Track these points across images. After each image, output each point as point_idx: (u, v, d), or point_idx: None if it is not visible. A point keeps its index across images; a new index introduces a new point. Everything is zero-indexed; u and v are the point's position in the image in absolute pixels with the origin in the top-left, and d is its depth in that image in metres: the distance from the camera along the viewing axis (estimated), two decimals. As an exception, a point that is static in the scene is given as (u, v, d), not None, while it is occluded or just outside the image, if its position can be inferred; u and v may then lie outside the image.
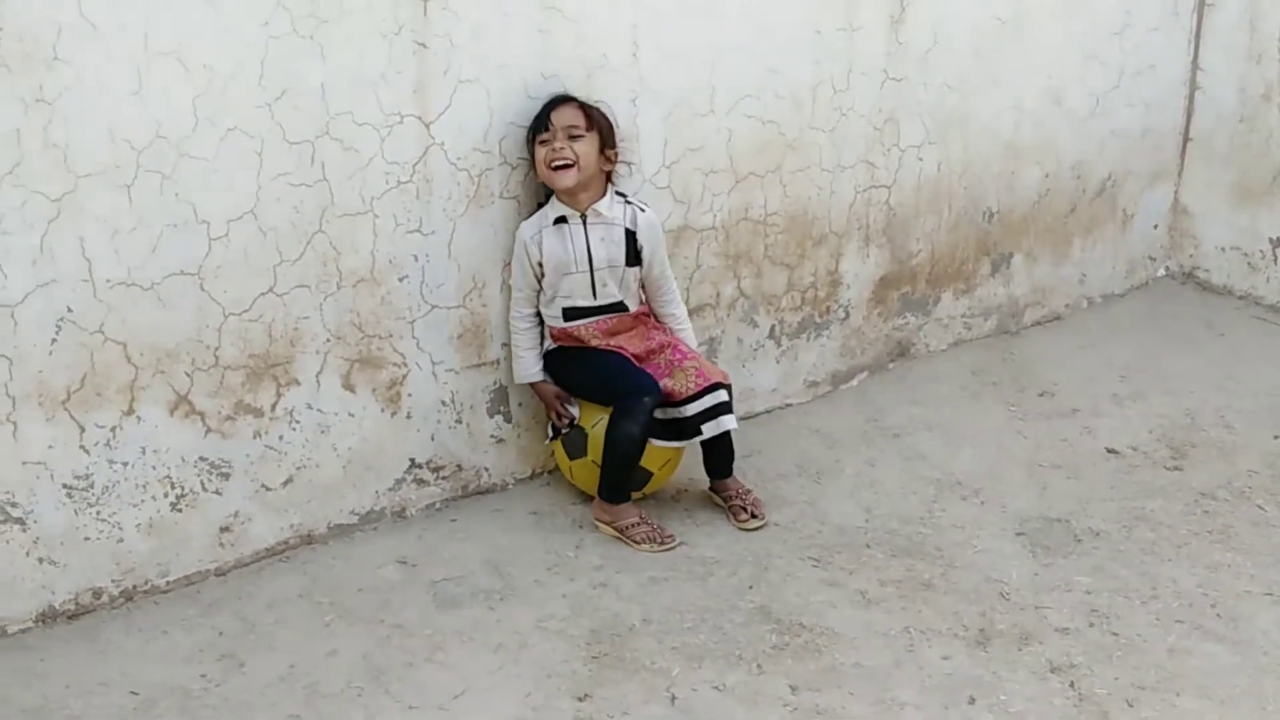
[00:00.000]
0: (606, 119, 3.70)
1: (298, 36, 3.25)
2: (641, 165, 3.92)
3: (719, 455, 3.86)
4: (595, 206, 3.70)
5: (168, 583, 3.42)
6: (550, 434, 3.88)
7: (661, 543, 3.67)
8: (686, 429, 3.72)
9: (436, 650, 3.25)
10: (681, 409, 3.71)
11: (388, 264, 3.55)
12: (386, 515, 3.77)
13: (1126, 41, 5.21)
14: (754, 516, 3.79)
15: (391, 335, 3.62)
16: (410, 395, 3.71)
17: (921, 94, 4.59)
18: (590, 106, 3.67)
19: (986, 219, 4.99)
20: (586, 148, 3.62)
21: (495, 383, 3.86)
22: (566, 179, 3.61)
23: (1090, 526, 3.86)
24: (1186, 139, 5.60)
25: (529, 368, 3.80)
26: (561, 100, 3.64)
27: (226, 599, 3.41)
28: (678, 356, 3.78)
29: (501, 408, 3.90)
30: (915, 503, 3.99)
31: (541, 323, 3.80)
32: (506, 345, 3.83)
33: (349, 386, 3.58)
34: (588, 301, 3.75)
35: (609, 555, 3.65)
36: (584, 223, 3.70)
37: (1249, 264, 5.52)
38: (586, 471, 3.81)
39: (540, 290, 3.75)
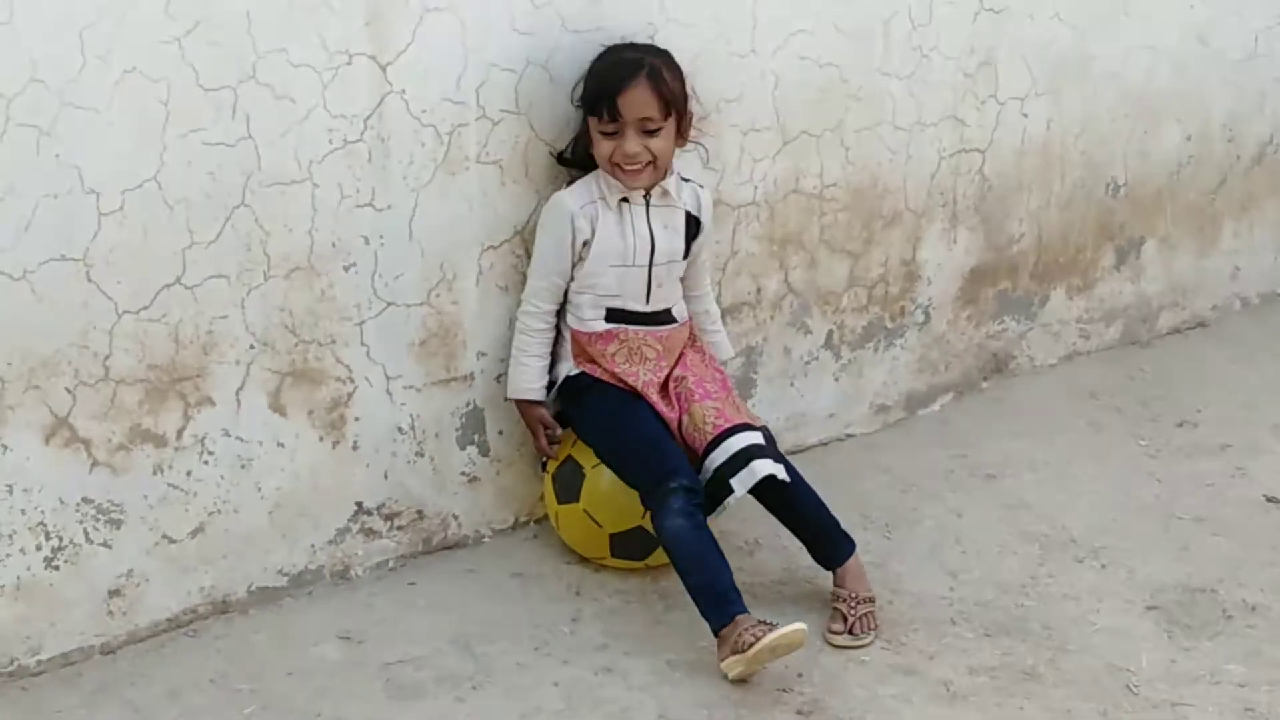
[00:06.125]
0: (683, 91, 3.74)
1: (216, -49, 3.27)
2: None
3: (801, 525, 3.81)
4: (663, 184, 3.77)
5: (39, 662, 3.43)
6: (544, 464, 3.93)
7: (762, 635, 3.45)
8: (713, 491, 3.70)
9: (390, 754, 3.27)
10: (702, 466, 3.72)
11: (330, 248, 3.56)
12: (325, 576, 3.79)
13: (1295, -40, 5.24)
14: (851, 633, 3.67)
15: (334, 341, 3.64)
16: (358, 420, 3.73)
17: (1028, 29, 4.61)
18: (663, 80, 3.67)
19: (1111, 194, 5.01)
20: (664, 143, 3.70)
21: (469, 404, 3.89)
22: (639, 181, 3.72)
23: (1244, 599, 3.87)
24: (1374, 88, 5.62)
25: (532, 381, 3.82)
26: (628, 75, 3.65)
27: (116, 684, 3.41)
28: (700, 391, 3.80)
29: (476, 436, 3.93)
30: (1015, 566, 4.01)
31: (555, 329, 3.84)
32: (484, 354, 3.85)
33: (278, 408, 3.60)
34: (639, 305, 3.80)
35: (615, 632, 3.67)
36: (647, 205, 3.78)
37: None
38: (575, 523, 3.85)
39: (570, 282, 3.79)
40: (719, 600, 3.51)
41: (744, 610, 3.48)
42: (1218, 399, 4.91)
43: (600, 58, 3.73)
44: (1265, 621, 3.77)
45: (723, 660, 3.45)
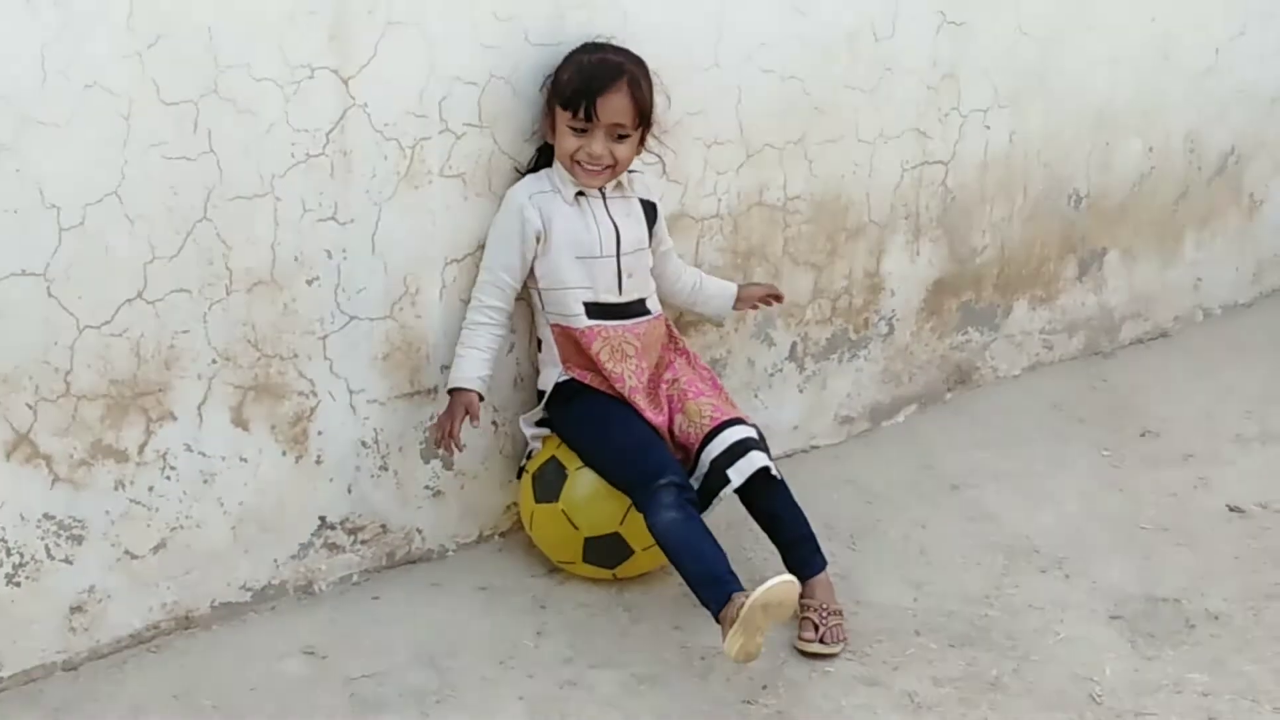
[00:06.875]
0: (652, 103, 3.80)
1: (178, -35, 3.26)
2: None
3: (782, 529, 3.83)
4: (618, 178, 3.84)
5: (0, 680, 3.42)
6: (522, 468, 3.92)
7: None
8: (709, 483, 3.74)
9: (354, 769, 3.26)
10: (698, 460, 3.76)
11: (293, 262, 3.56)
12: (289, 591, 3.78)
13: (1255, -26, 5.27)
14: (822, 641, 3.68)
15: (297, 355, 3.63)
16: (321, 434, 3.72)
17: (990, 42, 4.63)
18: (641, 90, 3.75)
19: (1073, 206, 5.03)
20: (628, 150, 3.77)
21: (432, 417, 3.87)
22: (596, 181, 3.78)
23: (1207, 608, 3.89)
24: (1333, 102, 5.66)
25: (468, 371, 3.78)
26: (610, 80, 3.70)
27: (78, 701, 3.39)
28: (693, 390, 3.84)
29: (440, 450, 3.91)
30: (979, 576, 4.02)
31: (505, 328, 3.83)
32: (448, 368, 3.83)
33: (241, 422, 3.59)
34: (613, 296, 3.84)
35: (581, 645, 3.66)
36: (604, 197, 3.83)
37: None
38: (551, 524, 3.84)
39: (531, 280, 3.81)
40: (715, 582, 3.48)
41: (741, 589, 3.43)
42: (1180, 410, 4.93)
43: (582, 51, 3.76)
44: (1228, 631, 3.78)
45: (724, 641, 3.38)
